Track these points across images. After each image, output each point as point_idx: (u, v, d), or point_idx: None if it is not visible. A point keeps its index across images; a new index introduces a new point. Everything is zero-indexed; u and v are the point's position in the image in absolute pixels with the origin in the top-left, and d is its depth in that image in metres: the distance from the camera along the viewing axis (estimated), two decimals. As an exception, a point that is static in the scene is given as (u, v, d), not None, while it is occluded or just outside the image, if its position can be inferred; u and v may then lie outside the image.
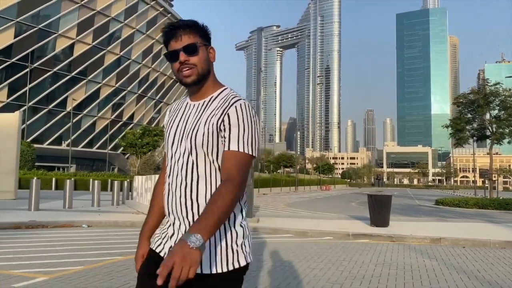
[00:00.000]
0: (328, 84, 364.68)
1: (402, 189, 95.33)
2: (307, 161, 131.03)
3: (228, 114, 1.44)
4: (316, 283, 5.07)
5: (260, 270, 5.71)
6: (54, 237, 8.43)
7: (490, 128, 22.07)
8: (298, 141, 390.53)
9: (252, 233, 9.73)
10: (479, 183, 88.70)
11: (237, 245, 1.41)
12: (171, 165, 1.50)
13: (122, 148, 68.54)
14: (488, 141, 24.31)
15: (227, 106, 1.45)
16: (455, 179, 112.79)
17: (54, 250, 6.83)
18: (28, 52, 55.78)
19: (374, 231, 9.70)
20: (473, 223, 12.40)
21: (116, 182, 17.21)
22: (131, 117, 72.98)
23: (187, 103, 1.56)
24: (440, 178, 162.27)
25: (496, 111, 21.75)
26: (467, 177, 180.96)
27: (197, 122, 1.47)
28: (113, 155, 67.88)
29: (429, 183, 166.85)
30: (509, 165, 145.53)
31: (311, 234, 9.56)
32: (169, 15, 79.21)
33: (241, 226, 1.46)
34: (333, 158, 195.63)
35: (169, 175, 1.50)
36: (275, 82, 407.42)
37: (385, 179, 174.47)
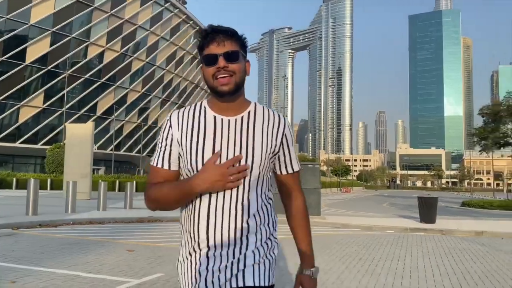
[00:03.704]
0: (340, 86, 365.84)
1: (419, 192, 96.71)
2: (322, 163, 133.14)
3: (285, 135, 1.46)
4: (411, 257, 7.40)
5: (368, 249, 8.06)
6: (178, 227, 10.87)
7: (512, 136, 24.33)
8: (310, 143, 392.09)
9: (327, 227, 12.10)
10: (493, 185, 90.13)
11: (274, 265, 1.44)
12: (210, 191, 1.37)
13: (147, 151, 71.57)
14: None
15: (280, 125, 1.45)
16: (470, 181, 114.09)
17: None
18: (62, 60, 58.87)
19: (426, 226, 11.98)
20: (506, 221, 14.67)
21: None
22: (156, 121, 75.83)
23: (214, 116, 1.42)
24: (454, 180, 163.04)
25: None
26: (481, 179, 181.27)
27: (247, 142, 1.38)
28: (139, 157, 70.70)
29: (443, 186, 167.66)
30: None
31: (375, 228, 11.87)
32: (191, 22, 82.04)
33: (277, 243, 1.47)
34: (346, 160, 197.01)
35: (209, 201, 1.35)
36: (287, 84, 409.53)
37: (398, 181, 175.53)
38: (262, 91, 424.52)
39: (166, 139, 1.43)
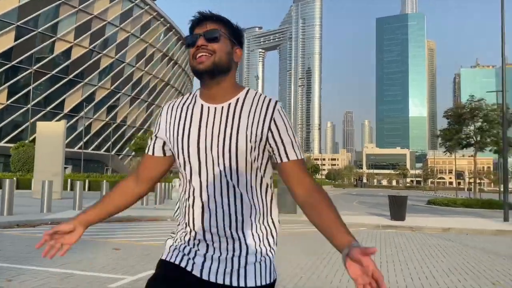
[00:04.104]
0: (310, 86, 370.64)
1: (385, 190, 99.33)
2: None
3: (274, 119, 1.34)
4: (386, 253, 7.87)
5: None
6: (158, 227, 10.99)
7: (474, 138, 25.64)
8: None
9: (303, 224, 12.51)
10: (455, 184, 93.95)
11: (273, 261, 1.40)
12: (199, 179, 1.34)
13: (116, 150, 70.44)
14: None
15: (268, 110, 1.35)
16: (433, 180, 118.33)
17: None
18: (28, 55, 57.06)
19: (396, 223, 12.58)
20: (469, 218, 15.56)
21: (159, 184, 19.64)
22: (125, 119, 74.65)
23: (202, 104, 1.39)
24: (418, 179, 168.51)
25: (480, 123, 25.28)
26: (443, 178, 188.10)
27: (232, 128, 1.33)
28: (108, 156, 69.43)
29: (408, 184, 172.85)
30: (483, 167, 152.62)
31: (349, 226, 12.30)
32: (162, 19, 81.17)
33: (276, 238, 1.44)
34: (315, 159, 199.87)
35: (200, 189, 1.34)
36: (257, 83, 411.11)
37: (365, 180, 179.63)
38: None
39: (155, 128, 1.49)
